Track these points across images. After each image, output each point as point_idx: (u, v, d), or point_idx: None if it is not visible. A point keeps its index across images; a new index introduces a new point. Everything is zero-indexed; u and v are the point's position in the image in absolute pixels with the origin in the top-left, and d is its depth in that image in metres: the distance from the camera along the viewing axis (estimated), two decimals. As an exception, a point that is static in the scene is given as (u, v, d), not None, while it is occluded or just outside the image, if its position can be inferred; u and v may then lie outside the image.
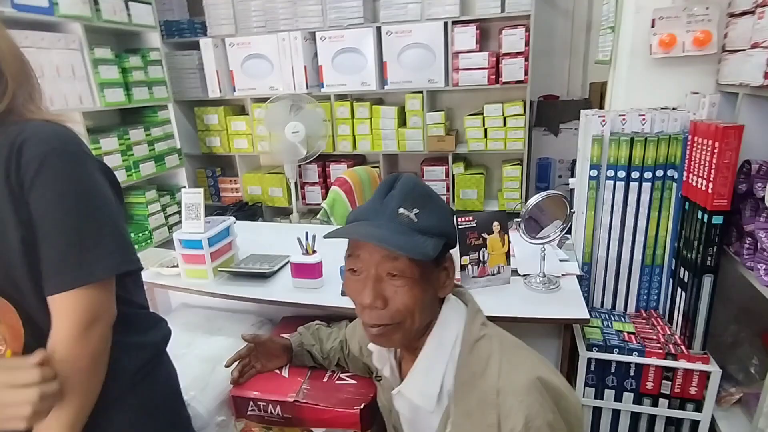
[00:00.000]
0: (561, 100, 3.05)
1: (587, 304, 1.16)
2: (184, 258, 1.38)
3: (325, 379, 1.11)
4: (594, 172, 1.34)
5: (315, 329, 1.16)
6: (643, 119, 1.29)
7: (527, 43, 2.54)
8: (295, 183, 2.97)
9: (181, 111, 3.07)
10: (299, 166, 2.99)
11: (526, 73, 2.58)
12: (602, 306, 1.44)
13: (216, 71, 2.99)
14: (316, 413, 1.06)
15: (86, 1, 2.15)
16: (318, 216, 2.14)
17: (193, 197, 1.36)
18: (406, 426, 0.84)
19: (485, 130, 2.74)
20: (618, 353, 1.25)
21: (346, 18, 2.73)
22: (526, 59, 2.56)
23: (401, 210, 0.68)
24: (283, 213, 3.30)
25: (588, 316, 1.10)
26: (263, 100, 2.88)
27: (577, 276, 1.30)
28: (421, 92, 2.77)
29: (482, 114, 2.73)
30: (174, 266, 1.45)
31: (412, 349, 0.76)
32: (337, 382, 1.10)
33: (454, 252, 0.78)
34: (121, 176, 2.43)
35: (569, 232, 1.54)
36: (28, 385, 0.56)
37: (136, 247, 2.34)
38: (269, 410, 1.11)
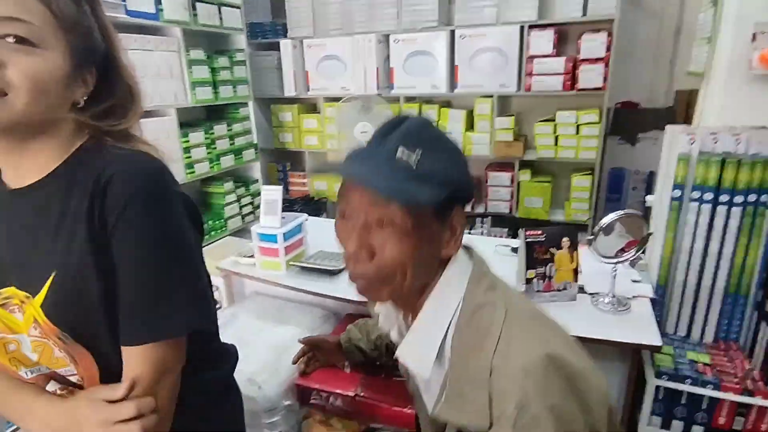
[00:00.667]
0: (641, 107, 2.88)
1: (659, 329, 1.12)
2: (261, 250, 1.49)
3: (383, 377, 1.16)
4: (677, 193, 1.27)
5: (362, 323, 1.17)
6: (738, 139, 1.20)
7: (608, 49, 2.43)
8: (361, 181, 3.06)
9: (258, 108, 3.25)
10: (365, 165, 3.07)
11: (604, 80, 2.47)
12: (676, 333, 1.37)
13: (293, 71, 3.14)
14: (374, 409, 1.12)
15: (186, 7, 2.36)
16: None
17: (272, 194, 1.46)
18: (420, 387, 0.77)
19: (556, 137, 2.66)
20: (690, 384, 1.18)
21: (421, 21, 2.76)
22: (606, 65, 2.45)
23: (401, 150, 0.58)
24: (346, 209, 3.41)
25: (660, 343, 1.06)
26: (335, 99, 2.98)
27: (651, 299, 1.25)
28: (491, 96, 2.74)
29: (554, 120, 2.65)
30: (250, 256, 1.56)
31: (411, 309, 0.69)
32: (395, 378, 1.14)
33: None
34: (203, 168, 2.64)
35: (643, 252, 1.48)
36: (129, 420, 0.56)
37: (212, 233, 2.50)
38: (330, 401, 1.17)
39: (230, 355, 0.82)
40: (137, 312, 0.58)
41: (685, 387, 1.19)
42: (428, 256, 0.63)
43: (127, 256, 0.56)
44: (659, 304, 1.33)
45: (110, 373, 0.61)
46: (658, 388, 1.21)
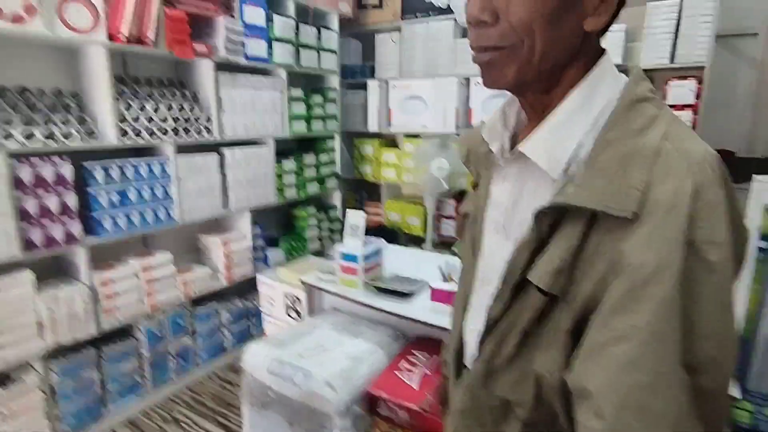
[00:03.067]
0: (737, 156, 2.74)
1: (741, 384, 1.08)
2: (342, 268, 1.64)
3: (449, 397, 1.23)
4: (764, 244, 1.24)
5: None
6: (833, 193, 1.16)
7: (698, 96, 2.38)
8: (433, 215, 3.17)
9: (343, 140, 3.53)
10: (439, 199, 3.19)
11: (694, 127, 2.41)
12: (759, 389, 1.29)
13: (377, 108, 3.39)
14: (438, 426, 1.18)
15: (292, 52, 2.70)
16: (453, 247, 2.28)
17: (356, 219, 1.62)
18: (495, 223, 0.65)
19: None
20: (775, 446, 1.12)
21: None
22: (695, 112, 2.39)
23: None
24: (416, 241, 3.52)
25: (740, 396, 1.03)
26: (414, 135, 3.16)
27: (731, 352, 1.20)
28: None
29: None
30: (332, 273, 1.72)
31: (539, 110, 0.58)
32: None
33: None
34: (292, 193, 2.91)
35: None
36: None
37: (293, 253, 2.75)
38: (396, 413, 1.26)
39: None
40: None
41: (769, 449, 1.12)
42: (566, 23, 0.51)
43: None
44: (742, 359, 1.27)
45: None
46: (737, 446, 1.16)
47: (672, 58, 2.42)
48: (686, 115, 2.41)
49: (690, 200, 0.44)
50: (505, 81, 0.54)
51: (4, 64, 1.79)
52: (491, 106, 2.95)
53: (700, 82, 2.37)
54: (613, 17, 0.53)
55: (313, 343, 1.51)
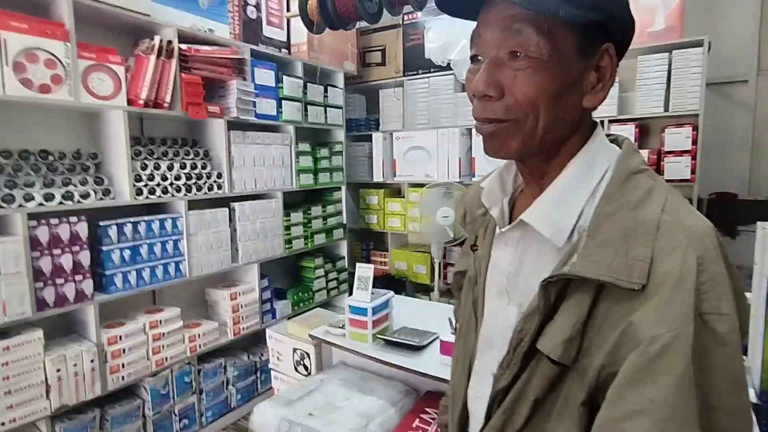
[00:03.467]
0: (740, 199, 2.76)
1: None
2: (351, 322, 1.63)
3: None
4: (774, 290, 1.23)
5: None
6: (838, 239, 1.17)
7: (694, 142, 2.44)
8: (440, 263, 3.17)
9: (348, 191, 3.60)
10: (444, 247, 3.20)
11: (693, 172, 2.45)
12: (789, 446, 1.24)
13: (382, 159, 3.48)
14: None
15: (300, 109, 2.83)
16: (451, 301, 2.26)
17: (365, 271, 1.64)
18: (497, 286, 0.65)
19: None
20: None
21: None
22: (693, 158, 2.45)
23: None
24: (424, 289, 3.50)
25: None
26: (418, 185, 3.23)
27: (753, 404, 1.17)
28: (573, 186, 2.79)
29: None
30: (340, 327, 1.71)
31: (537, 176, 0.61)
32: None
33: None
34: (299, 244, 2.94)
35: (745, 353, 1.40)
36: None
37: (301, 304, 2.75)
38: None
39: None
40: None
41: None
42: (567, 100, 0.54)
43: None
44: (765, 410, 1.23)
45: None
46: None
47: (666, 107, 2.51)
48: (685, 161, 2.46)
49: (696, 274, 0.46)
50: (508, 152, 0.57)
51: (29, 129, 1.88)
52: (493, 155, 3.02)
53: (695, 128, 2.44)
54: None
55: (322, 401, 1.48)
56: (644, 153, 2.56)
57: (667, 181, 2.24)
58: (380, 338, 1.61)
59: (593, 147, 0.58)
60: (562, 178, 0.58)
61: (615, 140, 0.62)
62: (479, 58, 0.56)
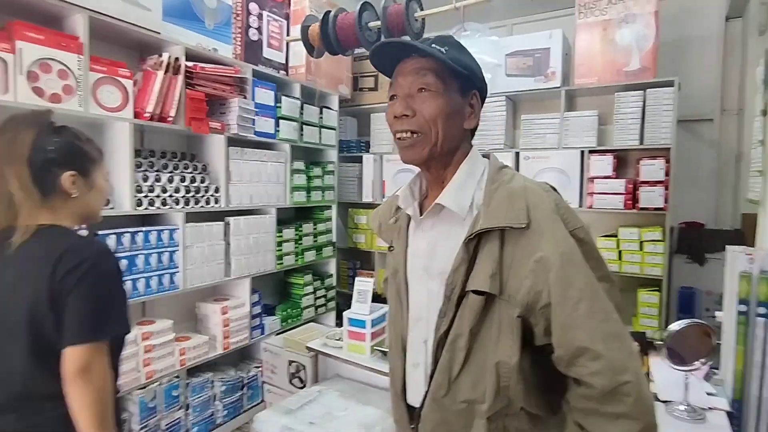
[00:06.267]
0: (707, 228, 2.95)
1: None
2: (349, 334, 1.68)
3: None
4: (743, 308, 1.36)
5: None
6: (797, 261, 1.31)
7: (667, 174, 2.62)
8: (427, 282, 3.25)
9: (338, 210, 3.67)
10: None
11: (666, 201, 2.63)
12: (758, 451, 1.34)
13: (372, 180, 3.58)
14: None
15: (296, 128, 2.91)
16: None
17: (364, 285, 1.70)
18: (417, 270, 0.89)
19: (620, 252, 2.77)
20: None
21: (488, 144, 3.14)
22: (666, 188, 2.63)
23: (433, 46, 0.81)
24: (410, 308, 3.55)
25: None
26: (408, 207, 3.32)
27: (728, 413, 1.27)
28: (555, 211, 2.94)
29: (616, 236, 2.78)
30: (338, 339, 1.76)
31: (439, 182, 0.87)
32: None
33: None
34: (290, 260, 2.97)
35: (717, 366, 1.52)
36: None
37: (289, 321, 2.79)
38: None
39: None
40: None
41: None
42: (455, 121, 0.83)
43: None
44: (737, 419, 1.34)
45: None
46: None
47: (641, 140, 2.70)
48: (659, 191, 2.64)
49: (556, 210, 0.78)
50: (421, 157, 0.84)
51: (32, 137, 1.90)
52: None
53: (668, 160, 2.62)
54: (478, 122, 0.89)
55: (322, 411, 1.51)
56: (621, 182, 2.73)
57: (642, 209, 2.41)
58: (378, 350, 1.66)
59: (472, 157, 0.88)
60: (456, 175, 0.85)
61: (486, 155, 0.92)
62: (395, 96, 0.84)
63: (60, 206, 0.99)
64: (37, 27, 1.68)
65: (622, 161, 2.89)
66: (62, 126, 1.04)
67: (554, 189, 0.84)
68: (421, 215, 0.90)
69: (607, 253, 2.79)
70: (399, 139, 0.84)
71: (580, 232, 0.78)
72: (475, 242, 0.79)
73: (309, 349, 1.78)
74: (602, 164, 2.80)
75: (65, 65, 1.75)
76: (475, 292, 0.77)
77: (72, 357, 0.89)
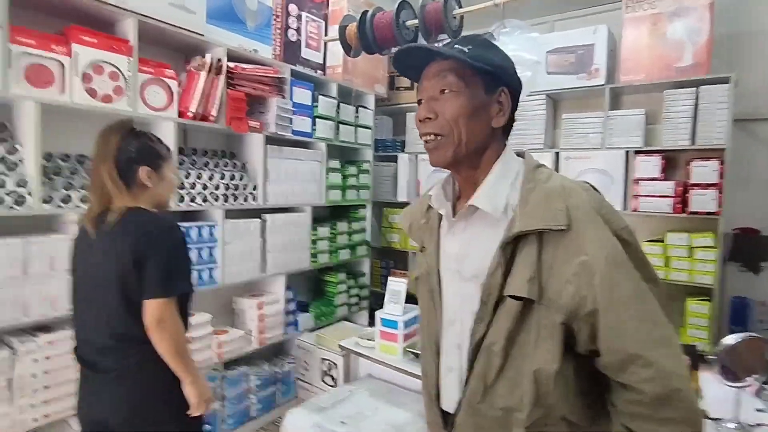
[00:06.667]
0: (763, 235, 2.76)
1: None
2: (381, 334, 1.68)
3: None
4: (806, 322, 1.26)
5: None
6: None
7: (721, 176, 2.47)
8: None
9: (373, 210, 3.68)
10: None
11: (719, 206, 2.47)
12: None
13: (407, 180, 3.56)
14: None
15: (332, 128, 2.94)
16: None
17: (398, 285, 1.69)
18: (450, 272, 0.87)
19: (667, 258, 2.63)
20: None
21: (527, 144, 3.06)
22: (720, 191, 2.47)
23: (455, 46, 0.81)
24: (443, 309, 3.52)
25: None
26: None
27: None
28: (596, 214, 2.83)
29: (663, 241, 2.65)
30: (370, 339, 1.76)
31: (471, 183, 0.84)
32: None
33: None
34: (324, 258, 3.01)
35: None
36: None
37: (322, 318, 2.81)
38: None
39: None
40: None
41: None
42: (479, 120, 0.81)
43: None
44: None
45: None
46: None
47: (693, 140, 2.55)
48: (711, 194, 2.48)
49: (597, 210, 0.75)
50: (446, 159, 0.82)
51: (88, 135, 2.00)
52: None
53: (722, 162, 2.47)
54: (511, 120, 0.86)
55: (353, 410, 1.51)
56: (670, 184, 2.59)
57: (693, 213, 2.27)
58: (411, 351, 1.64)
59: (505, 156, 0.85)
60: (489, 176, 0.83)
61: (520, 154, 0.88)
62: (422, 100, 0.84)
63: (139, 194, 1.28)
64: (91, 31, 1.77)
65: (671, 162, 2.74)
66: (140, 131, 1.33)
67: (594, 188, 0.80)
68: (453, 216, 0.88)
69: (652, 259, 2.65)
70: (425, 142, 0.84)
71: (624, 232, 0.75)
72: (512, 246, 0.77)
73: (341, 347, 1.79)
74: (649, 165, 2.66)
75: (116, 67, 1.84)
76: (513, 297, 0.75)
77: (150, 309, 1.18)
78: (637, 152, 2.70)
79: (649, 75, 2.67)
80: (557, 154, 2.96)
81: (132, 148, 1.26)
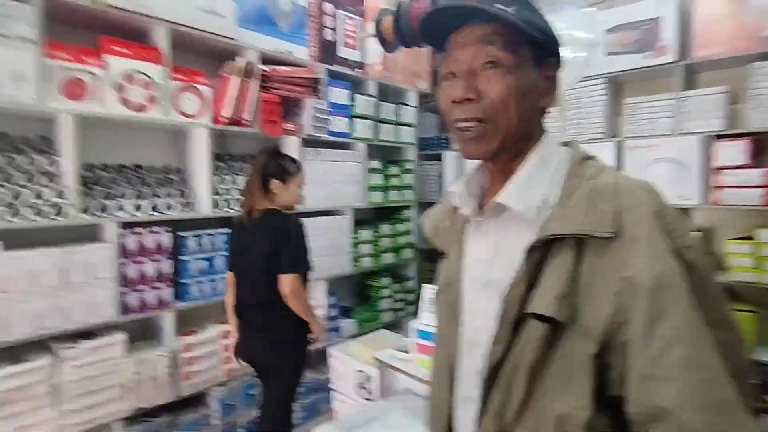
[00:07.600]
0: None
1: None
2: (418, 347, 1.54)
3: None
4: None
5: None
6: None
7: (828, 161, 2.07)
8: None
9: (418, 210, 3.53)
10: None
11: (826, 196, 2.08)
12: None
13: (453, 179, 3.38)
14: None
15: (371, 127, 2.84)
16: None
17: (433, 293, 1.54)
18: (475, 283, 0.72)
19: (757, 258, 2.25)
20: None
21: (585, 134, 2.77)
22: (826, 179, 2.07)
23: (498, 5, 0.62)
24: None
25: None
26: (492, 206, 3.08)
27: None
28: (669, 209, 2.50)
29: (753, 239, 2.27)
30: (406, 351, 1.62)
31: (506, 174, 0.68)
32: None
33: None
34: (367, 262, 2.91)
35: None
36: None
37: (367, 324, 2.72)
38: None
39: None
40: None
41: None
42: (529, 100, 0.66)
43: None
44: None
45: None
46: None
47: (788, 119, 2.17)
48: (815, 182, 2.09)
49: (661, 219, 0.57)
50: (490, 149, 0.66)
51: (125, 145, 2.05)
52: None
53: (828, 145, 2.07)
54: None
55: (386, 431, 1.39)
56: (760, 173, 2.22)
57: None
58: (449, 367, 1.49)
59: (545, 145, 0.69)
60: (524, 168, 0.67)
61: (566, 144, 0.73)
62: (453, 73, 0.67)
63: (272, 199, 1.79)
64: (122, 41, 1.79)
65: (762, 147, 2.35)
66: (278, 152, 1.86)
67: (658, 193, 0.61)
68: (479, 216, 0.73)
69: (739, 260, 2.30)
70: (460, 129, 0.66)
71: (689, 252, 0.57)
72: (541, 251, 0.61)
73: (376, 360, 1.67)
74: (733, 151, 2.30)
75: (149, 76, 1.85)
76: (537, 317, 0.58)
77: (285, 281, 1.71)
78: (719, 137, 2.35)
79: (731, 47, 2.31)
80: (620, 143, 2.66)
81: (269, 166, 1.77)
